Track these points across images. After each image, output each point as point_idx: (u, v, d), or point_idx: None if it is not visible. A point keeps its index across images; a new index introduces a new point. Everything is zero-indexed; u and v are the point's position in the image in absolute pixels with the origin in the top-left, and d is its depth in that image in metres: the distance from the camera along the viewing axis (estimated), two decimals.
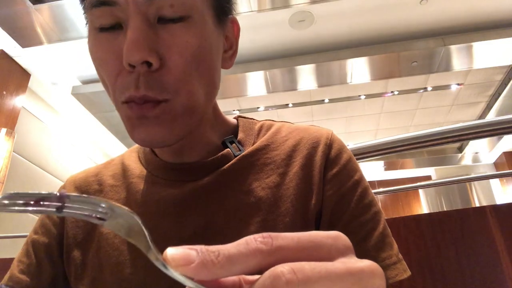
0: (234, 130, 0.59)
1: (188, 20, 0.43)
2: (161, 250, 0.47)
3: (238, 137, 0.57)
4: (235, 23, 0.54)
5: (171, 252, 0.20)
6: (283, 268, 0.19)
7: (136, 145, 0.63)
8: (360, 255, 0.48)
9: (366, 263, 0.22)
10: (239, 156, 0.53)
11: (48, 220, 0.56)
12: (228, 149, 0.54)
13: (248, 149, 0.54)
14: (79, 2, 0.48)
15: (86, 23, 0.48)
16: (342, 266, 0.21)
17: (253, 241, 0.21)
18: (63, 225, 0.55)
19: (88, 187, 0.58)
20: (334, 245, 0.23)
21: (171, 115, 0.44)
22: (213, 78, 0.48)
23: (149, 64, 0.42)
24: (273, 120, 0.62)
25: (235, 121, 0.61)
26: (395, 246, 0.49)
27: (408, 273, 0.47)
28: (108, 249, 0.50)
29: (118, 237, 0.50)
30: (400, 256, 0.49)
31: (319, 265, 0.20)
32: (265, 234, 0.21)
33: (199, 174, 0.52)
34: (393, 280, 0.45)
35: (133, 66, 0.41)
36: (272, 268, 0.20)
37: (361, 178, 0.53)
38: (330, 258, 0.22)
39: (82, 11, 0.48)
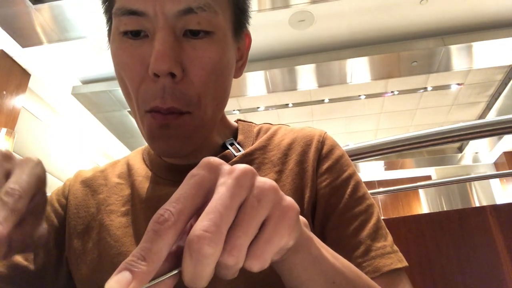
0: (234, 132, 0.62)
1: (211, 36, 0.46)
2: None
3: (238, 139, 0.59)
4: (247, 36, 0.57)
5: (107, 286, 0.22)
6: (193, 236, 0.23)
7: (141, 147, 0.65)
8: (354, 246, 0.49)
9: (238, 168, 0.26)
10: (239, 155, 0.55)
11: (49, 207, 0.58)
12: (228, 150, 0.56)
13: (247, 149, 0.57)
14: (101, 2, 0.50)
15: (107, 21, 0.50)
16: (224, 190, 0.25)
17: (157, 225, 0.23)
18: (65, 215, 0.57)
19: (94, 181, 0.60)
20: (210, 172, 0.26)
21: (190, 128, 0.47)
22: (226, 90, 0.51)
23: (173, 75, 0.44)
24: (271, 124, 0.65)
25: (235, 124, 0.64)
26: (390, 238, 0.50)
27: (404, 264, 0.48)
28: (109, 240, 0.51)
29: (121, 229, 0.52)
30: (396, 248, 0.50)
31: (212, 205, 0.24)
32: (160, 211, 0.24)
33: None
34: (389, 268, 0.46)
35: (158, 76, 0.44)
36: (186, 242, 0.23)
37: (354, 172, 0.55)
38: (212, 185, 0.26)
39: (103, 10, 0.50)
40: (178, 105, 0.45)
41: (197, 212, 0.25)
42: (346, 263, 0.39)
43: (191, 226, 0.24)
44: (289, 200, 0.28)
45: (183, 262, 0.23)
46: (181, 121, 0.46)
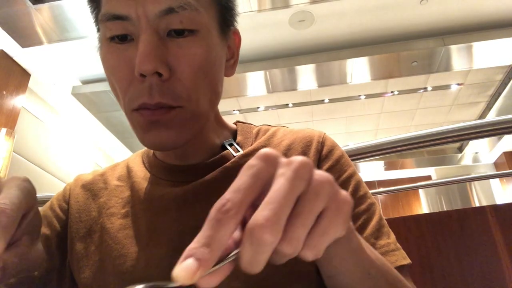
0: (233, 134, 0.62)
1: (195, 34, 0.46)
2: (163, 243, 0.48)
3: (237, 140, 0.60)
4: (236, 34, 0.57)
5: (175, 274, 0.23)
6: (254, 224, 0.23)
7: (140, 150, 0.65)
8: None
9: (296, 160, 0.27)
10: (238, 155, 0.56)
11: (51, 212, 0.58)
12: (228, 150, 0.57)
13: (246, 150, 0.57)
14: (90, 11, 0.51)
15: (98, 31, 0.51)
16: (283, 181, 0.25)
17: (219, 214, 0.24)
18: (66, 220, 0.57)
19: (94, 185, 0.60)
20: (267, 164, 0.27)
21: (181, 121, 0.47)
22: (217, 86, 0.51)
23: (159, 74, 0.44)
24: (270, 125, 0.65)
25: (234, 125, 0.64)
26: (393, 236, 0.51)
27: (408, 260, 0.49)
28: (111, 242, 0.52)
29: (121, 231, 0.52)
30: (399, 245, 0.50)
31: (272, 195, 0.25)
32: (221, 201, 0.24)
33: (200, 174, 0.54)
34: (394, 266, 0.47)
35: (144, 76, 0.44)
36: (247, 229, 0.24)
37: (354, 172, 0.56)
38: (270, 177, 0.26)
39: (93, 19, 0.51)
40: (166, 100, 0.45)
41: (254, 203, 0.26)
42: (379, 255, 0.40)
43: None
44: (344, 193, 0.28)
45: (242, 247, 0.24)
46: (172, 115, 0.46)
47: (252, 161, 0.27)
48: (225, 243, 0.24)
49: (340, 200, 0.27)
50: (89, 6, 0.51)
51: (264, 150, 0.28)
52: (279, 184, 0.25)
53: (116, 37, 0.46)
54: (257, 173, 0.26)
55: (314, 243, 0.26)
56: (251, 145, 0.59)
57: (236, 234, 0.26)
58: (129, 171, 0.60)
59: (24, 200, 0.33)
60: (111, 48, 0.47)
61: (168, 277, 0.45)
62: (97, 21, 0.50)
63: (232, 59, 0.57)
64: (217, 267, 0.24)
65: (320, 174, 0.27)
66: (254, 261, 0.24)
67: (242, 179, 0.26)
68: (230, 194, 0.25)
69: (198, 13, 0.46)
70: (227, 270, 0.25)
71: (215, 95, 0.52)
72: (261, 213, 0.24)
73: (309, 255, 0.26)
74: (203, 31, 0.47)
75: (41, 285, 0.52)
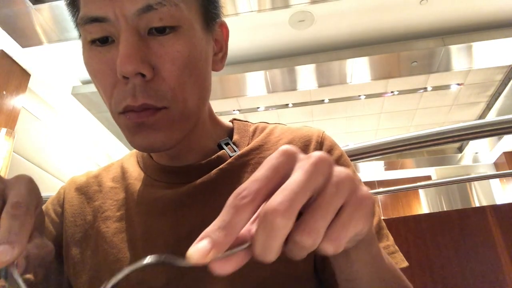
0: (229, 132, 0.61)
1: (177, 30, 0.45)
2: (159, 247, 0.48)
3: (233, 139, 0.58)
4: (223, 27, 0.56)
5: (188, 253, 0.23)
6: (267, 209, 0.24)
7: (135, 150, 0.64)
8: None
9: (315, 155, 0.27)
10: (234, 156, 0.54)
11: (46, 217, 0.57)
12: (224, 150, 0.55)
13: (243, 150, 0.56)
14: (70, 16, 0.50)
15: (79, 36, 0.49)
16: (300, 173, 0.26)
17: (236, 201, 0.25)
18: (61, 224, 0.56)
19: (88, 188, 0.59)
20: (287, 159, 0.27)
21: (168, 122, 0.46)
22: (205, 82, 0.50)
23: (142, 75, 0.43)
24: (267, 123, 0.64)
25: (230, 124, 0.62)
26: (391, 238, 0.51)
27: (406, 263, 0.49)
28: (107, 247, 0.51)
29: (117, 235, 0.52)
30: (397, 247, 0.50)
31: (288, 183, 0.25)
32: (239, 190, 0.25)
33: (195, 176, 0.53)
34: None
35: (127, 78, 0.43)
36: (260, 214, 0.24)
37: (354, 172, 0.55)
38: (289, 171, 0.27)
39: (73, 24, 0.49)
40: (151, 101, 0.44)
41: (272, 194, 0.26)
42: (391, 260, 0.41)
43: None
44: (365, 189, 0.29)
45: (255, 233, 0.25)
46: (158, 117, 0.45)
47: (273, 155, 0.28)
48: (239, 228, 0.24)
49: (360, 196, 0.28)
50: (68, 10, 0.50)
51: (285, 146, 0.28)
52: (295, 175, 0.26)
53: (97, 40, 0.45)
54: (276, 166, 0.27)
55: (334, 235, 0.26)
56: (248, 144, 0.57)
57: (254, 227, 0.26)
58: (123, 172, 0.59)
59: (34, 199, 0.34)
60: (93, 52, 0.46)
61: (164, 282, 0.45)
62: (77, 25, 0.49)
63: (220, 53, 0.56)
64: (231, 251, 0.25)
65: (340, 170, 0.28)
66: (266, 247, 0.24)
67: (261, 171, 0.27)
68: (248, 183, 0.26)
69: (178, 8, 0.44)
70: (242, 259, 0.25)
71: (204, 91, 0.51)
72: (275, 198, 0.24)
73: (329, 248, 0.26)
74: (185, 26, 0.45)
75: None
